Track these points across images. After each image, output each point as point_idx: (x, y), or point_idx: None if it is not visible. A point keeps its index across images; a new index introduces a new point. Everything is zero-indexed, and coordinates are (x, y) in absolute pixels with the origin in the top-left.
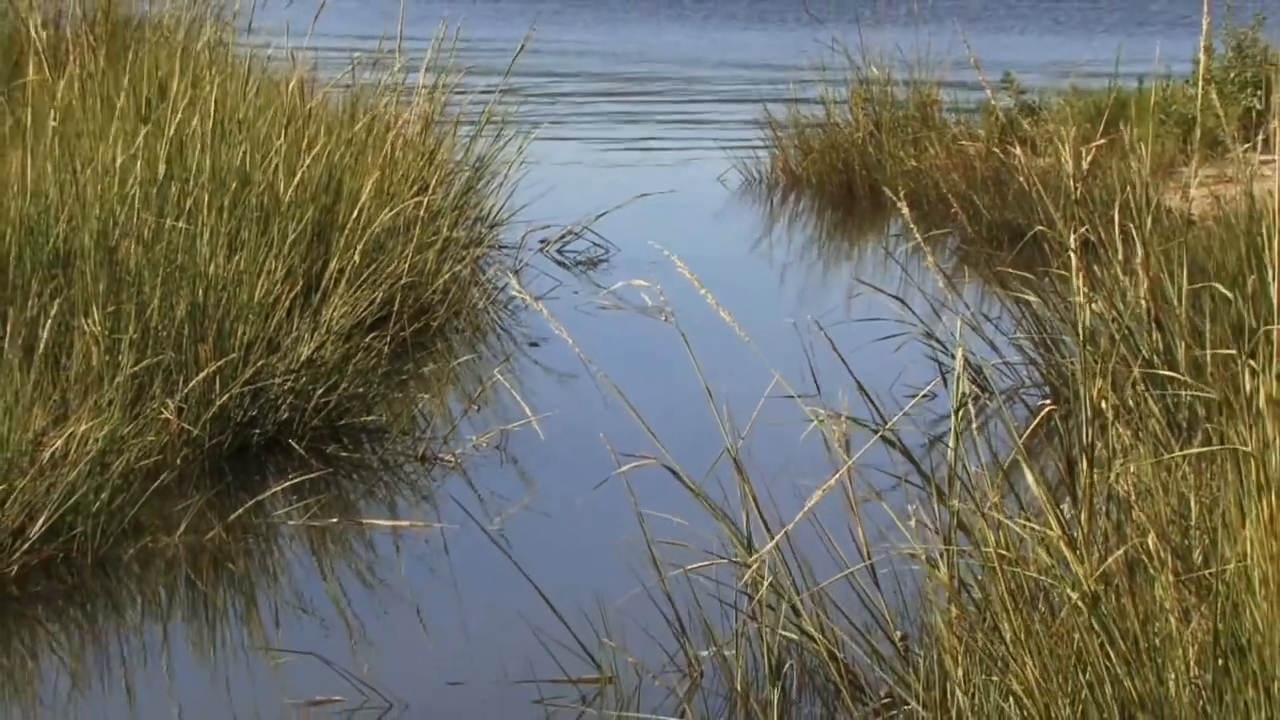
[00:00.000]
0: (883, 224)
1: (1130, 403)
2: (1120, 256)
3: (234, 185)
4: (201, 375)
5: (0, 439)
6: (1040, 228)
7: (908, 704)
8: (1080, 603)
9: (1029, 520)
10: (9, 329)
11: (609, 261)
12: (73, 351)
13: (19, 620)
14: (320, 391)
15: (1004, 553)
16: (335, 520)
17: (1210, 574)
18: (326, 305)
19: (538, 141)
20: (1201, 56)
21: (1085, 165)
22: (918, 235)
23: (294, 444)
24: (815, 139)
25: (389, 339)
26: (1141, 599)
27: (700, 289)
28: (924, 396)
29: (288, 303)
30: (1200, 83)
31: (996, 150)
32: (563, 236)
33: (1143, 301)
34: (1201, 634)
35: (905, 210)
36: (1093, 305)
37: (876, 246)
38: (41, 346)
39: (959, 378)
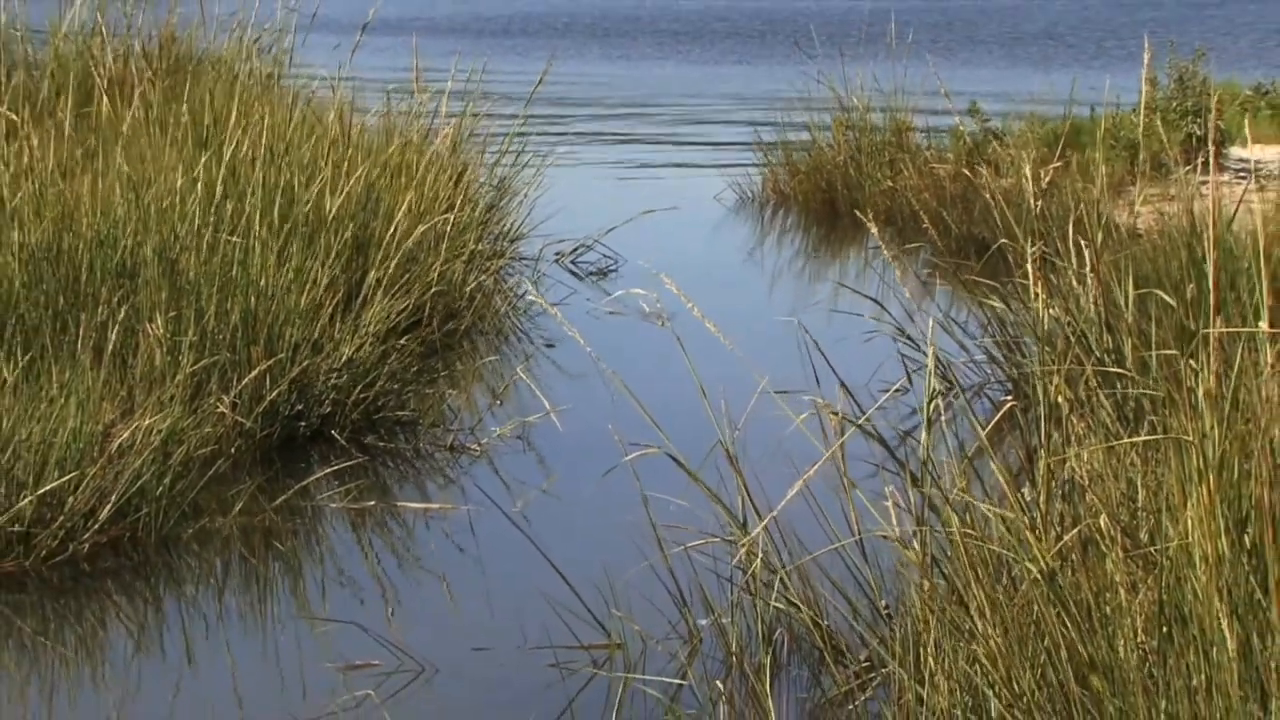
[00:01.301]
0: (862, 238)
1: (1083, 397)
2: (1074, 266)
3: (282, 204)
4: (253, 374)
5: (73, 431)
6: (1003, 241)
7: (885, 668)
8: (1039, 577)
9: (992, 503)
10: (81, 332)
11: (618, 271)
12: (138, 352)
13: (90, 593)
14: (359, 388)
15: (970, 532)
16: (372, 503)
17: (1155, 550)
18: (365, 311)
19: (553, 164)
20: (1144, 87)
21: (1043, 185)
22: (885, 252)
23: (336, 435)
24: (802, 162)
25: (421, 341)
26: (1094, 573)
27: (687, 303)
28: (898, 391)
29: (330, 309)
30: (1144, 111)
31: (964, 172)
32: (576, 249)
33: (1094, 307)
34: (1148, 604)
35: (874, 229)
36: (1050, 310)
37: (856, 258)
38: (110, 348)
39: (930, 375)
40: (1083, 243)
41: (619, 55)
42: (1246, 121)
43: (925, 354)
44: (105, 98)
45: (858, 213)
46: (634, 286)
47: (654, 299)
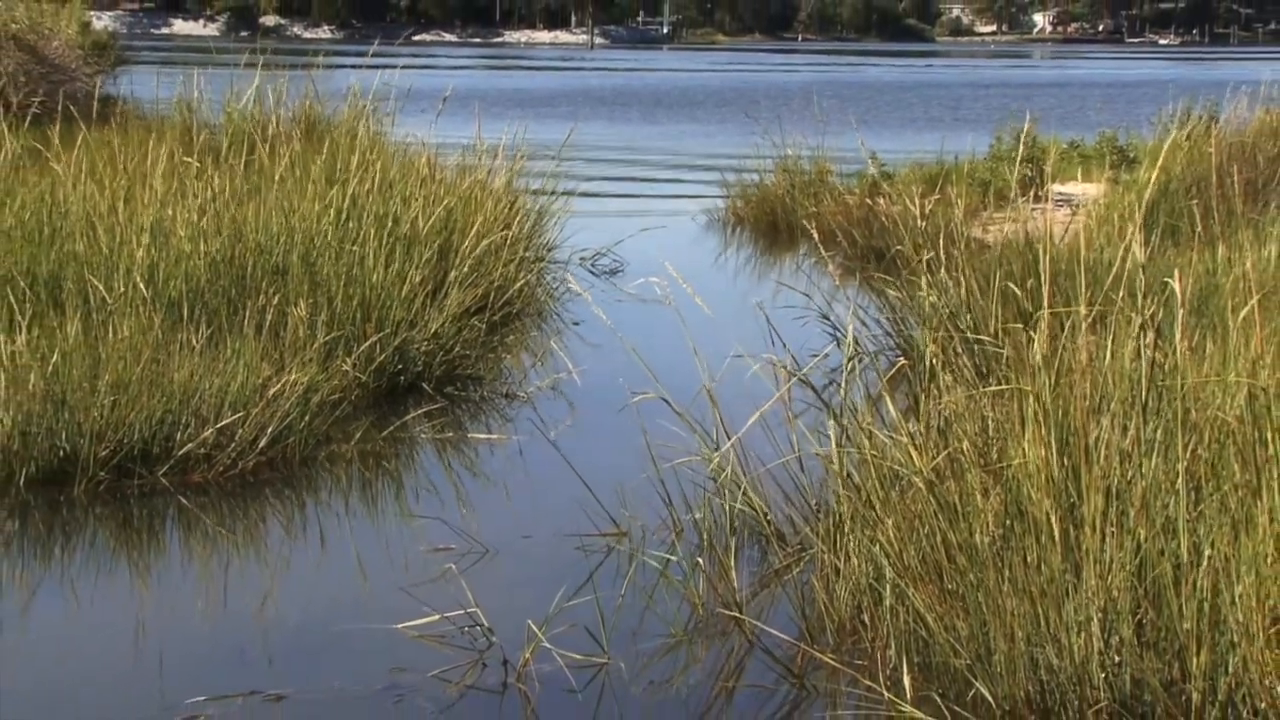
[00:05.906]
0: (795, 248)
1: (953, 359)
2: (945, 267)
3: (389, 224)
4: (367, 343)
5: (241, 383)
6: (896, 248)
7: (813, 549)
8: (921, 485)
9: (890, 433)
10: (247, 314)
11: (624, 271)
12: (287, 328)
13: (252, 498)
14: (442, 353)
15: (874, 453)
16: (451, 434)
17: (1002, 466)
18: (446, 299)
19: (577, 197)
20: (1023, 143)
21: (924, 210)
22: (823, 253)
23: (425, 386)
24: (752, 194)
25: (486, 320)
26: (959, 482)
27: (685, 286)
28: (824, 355)
29: (422, 297)
30: (1019, 157)
31: (867, 201)
32: (594, 256)
33: (960, 295)
34: (996, 504)
35: (815, 234)
36: (929, 298)
37: (790, 262)
38: (267, 325)
39: (846, 343)
40: (952, 250)
41: (622, 119)
42: (1079, 169)
43: (842, 329)
44: (264, 149)
45: (806, 223)
46: (636, 284)
47: (665, 286)
